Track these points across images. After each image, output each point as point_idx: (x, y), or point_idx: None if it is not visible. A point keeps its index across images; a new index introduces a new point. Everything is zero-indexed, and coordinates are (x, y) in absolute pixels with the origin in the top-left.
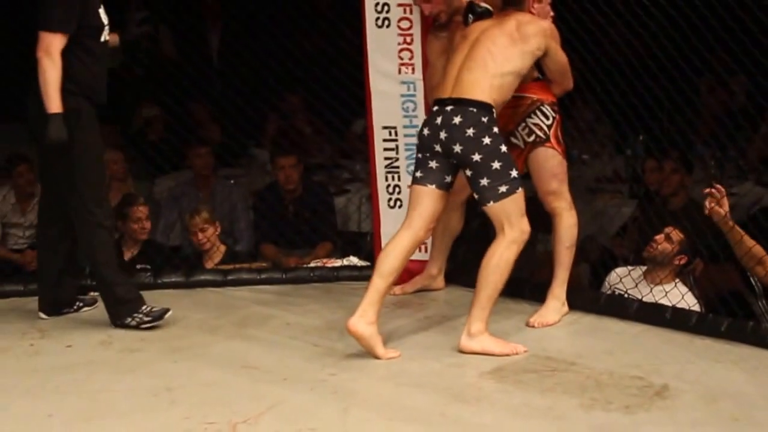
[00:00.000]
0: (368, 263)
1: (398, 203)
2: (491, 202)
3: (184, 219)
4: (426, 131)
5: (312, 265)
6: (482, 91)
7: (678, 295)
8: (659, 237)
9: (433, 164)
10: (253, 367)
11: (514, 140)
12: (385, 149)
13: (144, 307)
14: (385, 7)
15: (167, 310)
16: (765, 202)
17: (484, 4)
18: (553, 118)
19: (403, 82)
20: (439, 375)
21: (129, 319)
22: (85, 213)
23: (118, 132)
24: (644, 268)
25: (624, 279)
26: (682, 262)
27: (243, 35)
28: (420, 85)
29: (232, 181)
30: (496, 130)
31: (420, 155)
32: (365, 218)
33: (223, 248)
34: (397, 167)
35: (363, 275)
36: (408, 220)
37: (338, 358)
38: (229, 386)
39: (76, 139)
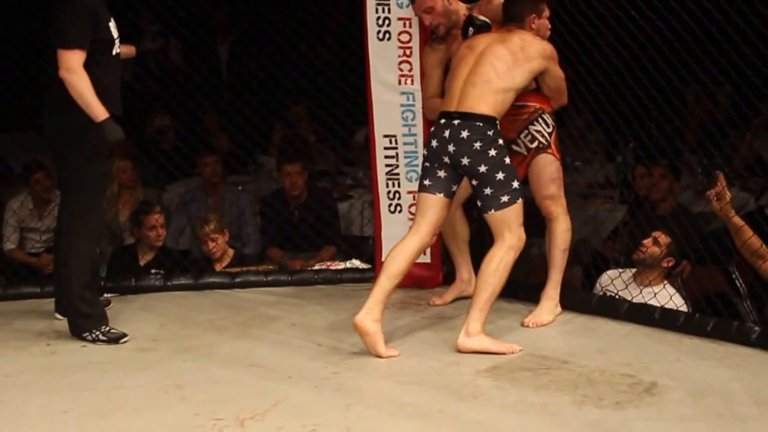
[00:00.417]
0: (370, 266)
1: (398, 208)
2: (493, 210)
3: (194, 224)
4: (435, 143)
5: (316, 267)
6: (487, 105)
7: (666, 296)
8: (648, 241)
9: (441, 174)
10: (260, 365)
11: (516, 147)
12: (386, 157)
13: (104, 327)
14: (386, 21)
15: (124, 335)
16: (750, 207)
17: (483, 17)
18: (553, 126)
19: (403, 93)
20: (438, 373)
21: (87, 334)
22: (76, 221)
23: (131, 141)
24: (634, 270)
25: (615, 281)
26: (670, 264)
27: (251, 48)
28: (419, 95)
29: (240, 188)
30: (500, 141)
31: (428, 164)
32: (367, 223)
33: (231, 252)
34: (397, 174)
35: (365, 277)
36: (416, 225)
37: (341, 357)
38: (236, 384)
39: (80, 149)
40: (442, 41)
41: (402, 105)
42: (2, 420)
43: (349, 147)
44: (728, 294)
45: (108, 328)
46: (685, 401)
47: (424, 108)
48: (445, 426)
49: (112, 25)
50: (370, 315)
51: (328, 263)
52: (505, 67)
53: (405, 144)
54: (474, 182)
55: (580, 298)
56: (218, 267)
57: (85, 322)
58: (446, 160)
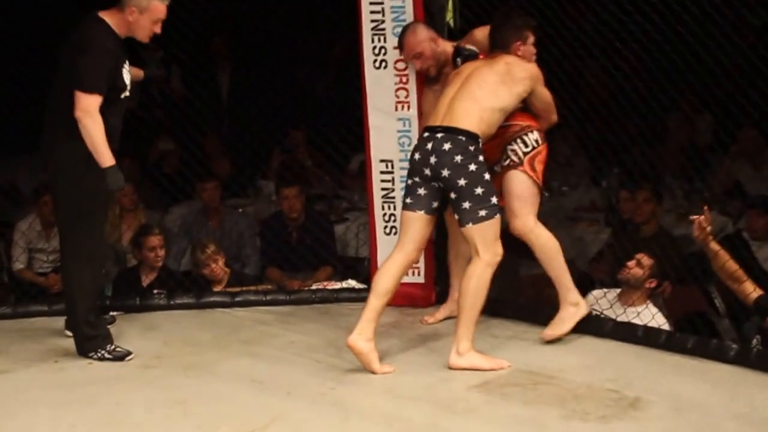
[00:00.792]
0: (366, 286)
1: (393, 230)
2: (470, 224)
3: (193, 249)
4: (417, 156)
5: (314, 287)
6: (471, 121)
7: (649, 315)
8: (631, 262)
9: (421, 191)
10: (260, 381)
11: (496, 168)
12: (382, 181)
13: (109, 346)
14: (383, 50)
15: (129, 353)
16: (728, 230)
17: (470, 46)
18: (533, 147)
19: (399, 119)
20: (431, 388)
21: (93, 354)
22: (78, 246)
23: (135, 165)
24: (618, 290)
25: (600, 300)
26: (653, 285)
27: (251, 76)
28: (415, 121)
29: (240, 210)
30: (481, 158)
31: (410, 181)
32: (363, 244)
33: (228, 271)
34: (393, 197)
35: (361, 297)
36: (400, 243)
37: (338, 373)
38: (237, 399)
39: (86, 181)
40: (437, 81)
41: (398, 131)
42: None
43: (345, 172)
44: (708, 313)
45: (113, 347)
46: (667, 415)
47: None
48: None
49: (125, 71)
50: (362, 335)
51: (325, 283)
52: (491, 87)
53: (401, 168)
54: (453, 195)
55: None
56: (217, 288)
57: (91, 343)
58: (427, 172)
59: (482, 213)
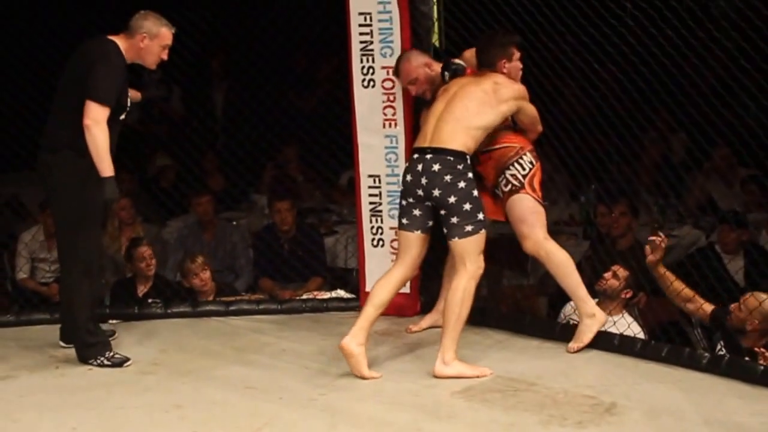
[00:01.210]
0: (354, 296)
1: (381, 243)
2: (457, 238)
3: (182, 260)
4: (409, 177)
5: (304, 297)
6: (458, 141)
7: (625, 324)
8: (608, 274)
9: (416, 212)
10: (252, 387)
11: (497, 191)
12: (370, 195)
13: (108, 353)
14: (371, 70)
15: (127, 359)
16: (701, 243)
17: (458, 61)
18: (530, 168)
19: (387, 136)
20: (416, 394)
21: (92, 360)
22: (77, 257)
23: (134, 179)
24: (596, 300)
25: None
26: (628, 295)
27: (244, 95)
28: (402, 138)
29: (234, 223)
30: (470, 175)
31: (404, 201)
32: (351, 256)
33: (213, 286)
34: (380, 211)
35: (350, 306)
36: (400, 260)
37: (327, 380)
38: (231, 404)
39: (85, 194)
40: (435, 99)
41: (386, 147)
42: None
43: (335, 187)
44: (681, 323)
45: (112, 354)
46: (642, 421)
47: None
48: None
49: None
50: (355, 339)
51: (315, 293)
52: (476, 106)
53: (388, 183)
54: (442, 212)
55: (546, 326)
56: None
57: (91, 350)
58: (420, 192)
59: (468, 228)
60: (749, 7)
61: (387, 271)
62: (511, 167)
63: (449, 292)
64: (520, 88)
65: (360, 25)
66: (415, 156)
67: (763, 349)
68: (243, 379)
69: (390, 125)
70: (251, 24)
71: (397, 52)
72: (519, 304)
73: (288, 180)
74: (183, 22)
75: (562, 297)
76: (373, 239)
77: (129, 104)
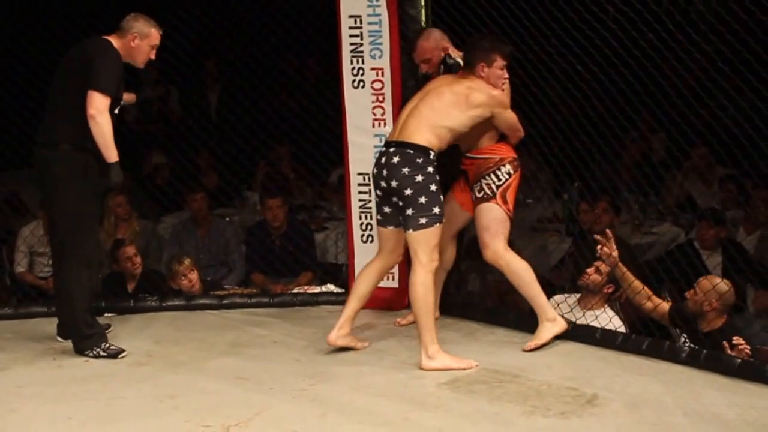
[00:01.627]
0: (344, 290)
1: (370, 239)
2: (411, 230)
3: (169, 262)
4: (374, 170)
5: (295, 291)
6: (422, 137)
7: (606, 319)
8: (590, 269)
9: (387, 209)
10: (244, 378)
11: (471, 194)
12: (360, 192)
13: (104, 344)
14: (360, 71)
15: (123, 351)
16: (681, 240)
17: (456, 58)
18: (505, 179)
19: (376, 135)
20: (403, 385)
21: (89, 351)
22: (76, 250)
23: (128, 177)
24: (578, 295)
25: (561, 305)
26: (610, 290)
27: (238, 95)
28: None
29: (227, 219)
30: (430, 169)
31: (377, 198)
32: (341, 251)
33: (199, 286)
34: (370, 208)
35: (339, 300)
36: (380, 252)
37: (317, 371)
38: (223, 394)
39: (80, 186)
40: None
41: (375, 146)
42: (14, 426)
43: (325, 184)
44: None
45: (108, 345)
46: (623, 412)
47: None
48: None
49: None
50: (341, 331)
51: (306, 287)
52: (444, 107)
53: None
54: (400, 203)
55: (530, 320)
56: None
57: (88, 342)
58: (383, 184)
59: (423, 221)
60: (727, 11)
61: (368, 263)
62: (486, 177)
63: (409, 289)
64: (495, 95)
65: (350, 28)
66: (382, 149)
67: (737, 341)
68: (235, 371)
69: (379, 125)
70: (245, 27)
71: (387, 54)
72: (503, 298)
73: (280, 178)
74: (179, 24)
75: (545, 291)
76: (362, 235)
77: (122, 102)
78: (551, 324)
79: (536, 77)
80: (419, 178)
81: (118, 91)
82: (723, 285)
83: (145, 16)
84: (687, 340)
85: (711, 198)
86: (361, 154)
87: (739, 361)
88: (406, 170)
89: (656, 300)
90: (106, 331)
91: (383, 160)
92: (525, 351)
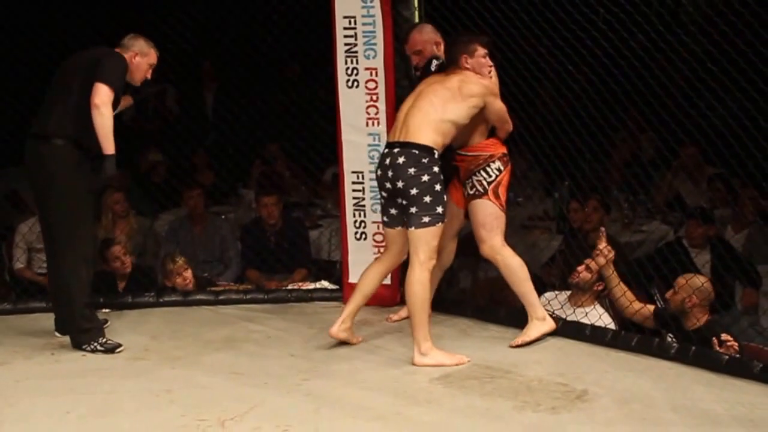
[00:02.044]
0: (337, 287)
1: (363, 236)
2: (413, 228)
3: (163, 261)
4: (379, 172)
5: (290, 287)
6: (425, 135)
7: (596, 315)
8: (580, 267)
9: (393, 211)
10: (239, 373)
11: (463, 190)
12: (354, 190)
13: (101, 339)
14: (354, 71)
15: (120, 345)
16: (670, 238)
17: (442, 58)
18: (496, 175)
19: (370, 134)
20: (396, 380)
21: (86, 346)
22: (72, 245)
23: (126, 174)
24: (569, 292)
25: (552, 302)
26: (600, 288)
27: (234, 94)
28: (384, 136)
29: (223, 216)
30: (436, 169)
31: (382, 200)
32: (335, 249)
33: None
34: (364, 206)
35: (333, 297)
36: (386, 252)
37: (311, 366)
38: (218, 389)
39: (73, 181)
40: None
41: (369, 145)
42: (12, 419)
43: (319, 182)
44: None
45: (105, 340)
46: (612, 407)
47: None
48: (402, 427)
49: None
50: (343, 325)
51: (300, 284)
52: (441, 103)
53: (371, 179)
54: (404, 202)
55: (521, 317)
56: None
57: (85, 336)
58: (388, 185)
59: (425, 219)
60: (716, 12)
61: (374, 261)
62: (477, 173)
63: (406, 286)
64: (487, 84)
65: (345, 28)
66: (385, 151)
67: (725, 338)
68: (230, 365)
69: (373, 124)
70: (241, 27)
71: (381, 54)
72: (495, 295)
73: (275, 176)
74: (177, 25)
75: (536, 289)
76: (356, 233)
77: (119, 108)
78: (540, 323)
79: (527, 77)
80: (425, 177)
81: (119, 93)
82: (700, 281)
83: (144, 37)
84: (674, 341)
85: (700, 197)
86: (355, 152)
87: (727, 357)
88: (412, 170)
89: (637, 305)
90: (104, 327)
91: (387, 161)
92: (512, 347)
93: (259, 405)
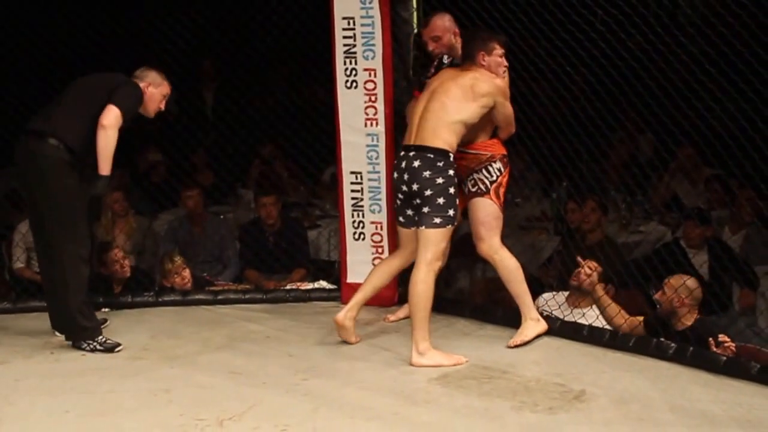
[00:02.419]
0: (336, 287)
1: (362, 236)
2: (424, 227)
3: (161, 260)
4: (395, 175)
5: (288, 287)
6: (439, 138)
7: (594, 316)
8: (582, 271)
9: (409, 212)
10: (238, 372)
11: (463, 187)
12: (352, 191)
13: (100, 338)
14: (353, 72)
15: (119, 345)
16: (667, 239)
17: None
18: (497, 175)
19: (368, 134)
20: (394, 380)
21: (85, 345)
22: (69, 246)
23: (126, 174)
24: (566, 293)
25: (549, 302)
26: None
27: (233, 94)
28: (382, 137)
29: (222, 216)
30: (450, 172)
31: (398, 201)
32: (333, 249)
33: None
34: (362, 206)
35: (331, 296)
36: (400, 250)
37: (309, 366)
38: (217, 388)
39: (65, 180)
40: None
41: (367, 145)
42: (12, 418)
43: (318, 182)
44: (648, 314)
45: (104, 339)
46: (610, 407)
47: None
48: (400, 427)
49: None
50: (349, 313)
51: (299, 284)
52: (454, 102)
53: (369, 180)
54: (417, 201)
55: (518, 317)
56: None
57: (84, 334)
58: (404, 188)
59: (437, 220)
60: (714, 14)
61: (388, 257)
62: (478, 172)
63: (410, 285)
64: (499, 84)
65: (344, 29)
66: (401, 154)
67: (723, 339)
68: (229, 365)
69: (371, 124)
70: (241, 27)
71: (379, 55)
72: (492, 295)
73: (274, 176)
74: (176, 24)
75: (534, 289)
76: (354, 233)
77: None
78: (535, 323)
79: (526, 77)
80: (440, 180)
81: (127, 120)
82: (689, 281)
83: (157, 69)
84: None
85: (697, 198)
86: (354, 152)
87: (725, 358)
88: (427, 173)
89: (632, 321)
90: (103, 326)
91: (404, 164)
92: (509, 347)
93: (257, 404)
